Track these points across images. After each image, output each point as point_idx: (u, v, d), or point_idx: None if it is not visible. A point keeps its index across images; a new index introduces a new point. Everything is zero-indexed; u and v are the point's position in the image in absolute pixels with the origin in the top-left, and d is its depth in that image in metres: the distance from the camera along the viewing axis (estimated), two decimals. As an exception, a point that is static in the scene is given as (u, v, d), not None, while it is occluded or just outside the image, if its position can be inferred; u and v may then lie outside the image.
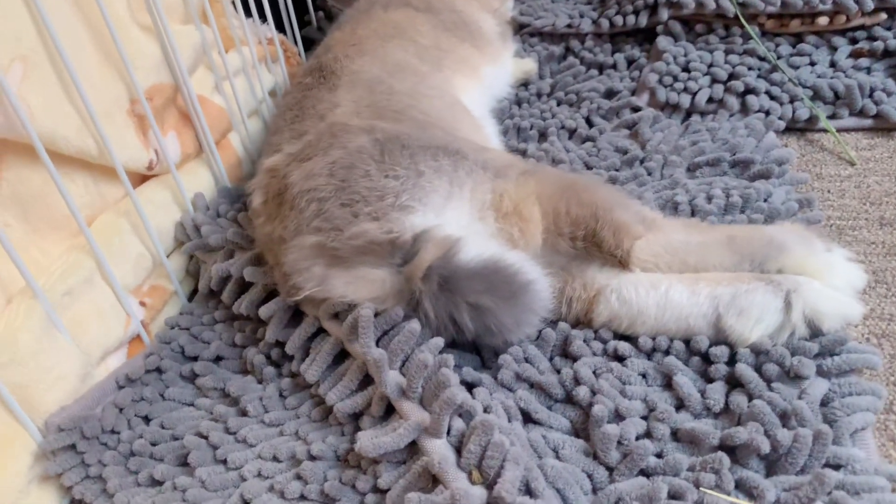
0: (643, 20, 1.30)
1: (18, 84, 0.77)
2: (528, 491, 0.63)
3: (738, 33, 1.23)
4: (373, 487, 0.70)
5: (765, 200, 0.94)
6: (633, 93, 1.23)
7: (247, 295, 0.91)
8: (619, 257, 0.79)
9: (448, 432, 0.68)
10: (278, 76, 1.33)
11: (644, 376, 0.76)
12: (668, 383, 0.75)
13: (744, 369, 0.72)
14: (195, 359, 0.92)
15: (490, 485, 0.63)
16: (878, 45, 1.15)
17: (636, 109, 1.18)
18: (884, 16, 1.17)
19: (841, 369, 0.71)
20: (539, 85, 1.29)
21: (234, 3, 1.18)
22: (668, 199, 0.97)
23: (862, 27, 1.19)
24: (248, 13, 1.24)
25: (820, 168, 1.04)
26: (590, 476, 0.68)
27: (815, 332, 0.73)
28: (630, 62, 1.30)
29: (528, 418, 0.74)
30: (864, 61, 1.16)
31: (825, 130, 1.10)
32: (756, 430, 0.66)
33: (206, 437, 0.79)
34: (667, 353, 0.77)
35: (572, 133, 1.17)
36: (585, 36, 1.36)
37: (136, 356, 0.91)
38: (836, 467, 0.65)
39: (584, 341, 0.79)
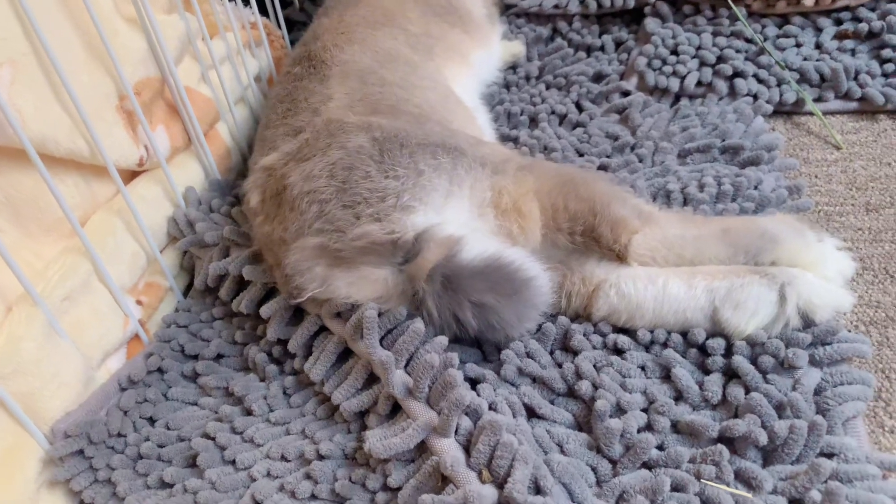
0: (631, 1, 1.30)
1: (8, 89, 0.75)
2: (537, 489, 0.65)
3: (725, 14, 1.24)
4: (383, 486, 0.72)
5: (755, 188, 0.95)
6: (622, 76, 1.23)
7: (246, 293, 0.91)
8: (617, 252, 0.80)
9: (456, 431, 0.70)
10: (262, 61, 1.31)
11: (643, 369, 0.78)
12: (666, 375, 0.77)
13: (740, 361, 0.74)
14: (195, 357, 0.92)
15: (500, 484, 0.65)
16: (863, 26, 1.16)
17: (626, 94, 1.18)
18: (868, -4, 1.18)
19: (833, 359, 0.74)
20: (527, 68, 1.29)
21: (216, -12, 1.15)
22: (660, 187, 0.99)
23: (846, 8, 1.20)
24: (230, -3, 1.21)
25: (807, 152, 1.06)
26: (594, 469, 0.70)
27: (808, 323, 0.76)
28: (618, 44, 1.30)
29: (531, 413, 0.76)
30: (848, 43, 1.17)
31: (811, 114, 1.11)
32: (754, 423, 0.69)
33: (213, 438, 0.80)
34: (665, 345, 0.79)
35: (563, 118, 1.17)
36: (573, 17, 1.35)
37: (136, 356, 0.91)
38: (830, 456, 0.68)
39: (584, 335, 0.81)
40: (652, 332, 0.79)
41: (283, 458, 0.77)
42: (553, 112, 1.18)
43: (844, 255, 0.80)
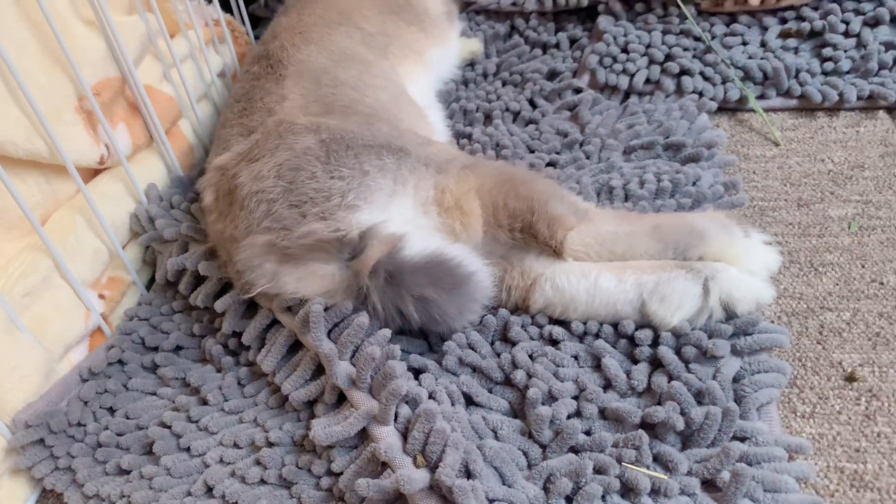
0: (585, 0, 1.33)
1: (-37, 92, 0.78)
2: (468, 472, 0.69)
3: (675, 13, 1.28)
4: (327, 471, 0.76)
5: (693, 184, 1.00)
6: (575, 73, 1.26)
7: (202, 287, 0.95)
8: (554, 247, 0.84)
9: (395, 419, 0.74)
10: (226, 57, 1.33)
11: (576, 358, 0.82)
12: (597, 365, 0.81)
13: (665, 352, 0.78)
14: (155, 349, 0.95)
15: (433, 468, 0.69)
16: (805, 25, 1.21)
17: (578, 91, 1.22)
18: (812, -4, 1.23)
19: (752, 349, 0.78)
20: (485, 65, 1.32)
21: (178, -14, 1.18)
22: (603, 183, 1.03)
23: (791, 7, 1.24)
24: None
25: (747, 148, 1.10)
26: (525, 454, 0.75)
27: (730, 315, 0.80)
28: (572, 41, 1.33)
29: (469, 401, 0.81)
30: (791, 42, 1.22)
31: (754, 111, 1.16)
32: (673, 409, 0.73)
33: (169, 427, 0.84)
34: (597, 336, 0.83)
35: (516, 115, 1.21)
36: (530, 14, 1.39)
37: (97, 349, 0.95)
38: (743, 440, 0.73)
39: (522, 327, 0.85)
40: (585, 323, 0.84)
41: (235, 446, 0.81)
42: (507, 109, 1.22)
43: (771, 249, 0.85)
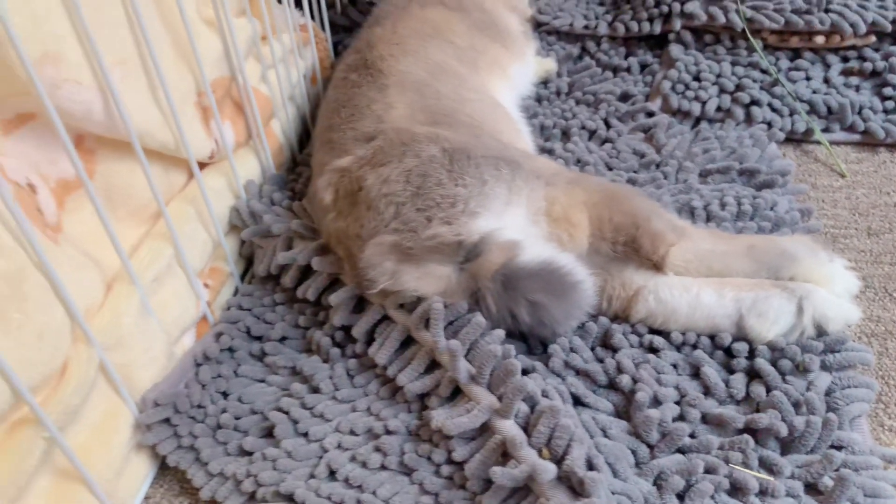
0: (657, 27, 1.40)
1: (119, 87, 0.82)
2: (590, 465, 0.74)
3: (743, 46, 1.34)
4: (447, 459, 0.81)
5: (771, 209, 1.06)
6: (647, 97, 1.33)
7: (311, 281, 0.99)
8: (655, 261, 0.90)
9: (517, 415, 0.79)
10: (308, 61, 1.38)
11: (675, 367, 0.88)
12: (695, 373, 0.87)
13: (762, 364, 0.84)
14: (260, 339, 1.00)
15: (558, 461, 0.74)
16: (867, 65, 1.28)
17: (651, 114, 1.28)
18: (873, 38, 1.30)
19: (841, 365, 0.84)
20: (558, 83, 1.38)
21: (276, -8, 1.23)
22: (684, 203, 1.09)
23: (853, 48, 1.31)
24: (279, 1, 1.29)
25: (815, 178, 1.17)
26: (633, 452, 0.80)
27: (820, 333, 0.86)
28: (643, 66, 1.40)
29: (577, 401, 0.86)
30: (853, 79, 1.29)
31: (819, 143, 1.23)
32: (775, 417, 0.79)
33: (286, 413, 0.88)
34: (695, 347, 0.89)
35: (592, 134, 1.27)
36: (601, 38, 1.45)
37: (206, 335, 0.99)
38: (839, 448, 0.78)
39: (623, 334, 0.91)
40: (684, 334, 0.89)
41: (352, 433, 0.86)
42: (583, 127, 1.28)
43: (851, 274, 0.91)
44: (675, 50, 1.36)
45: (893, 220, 1.07)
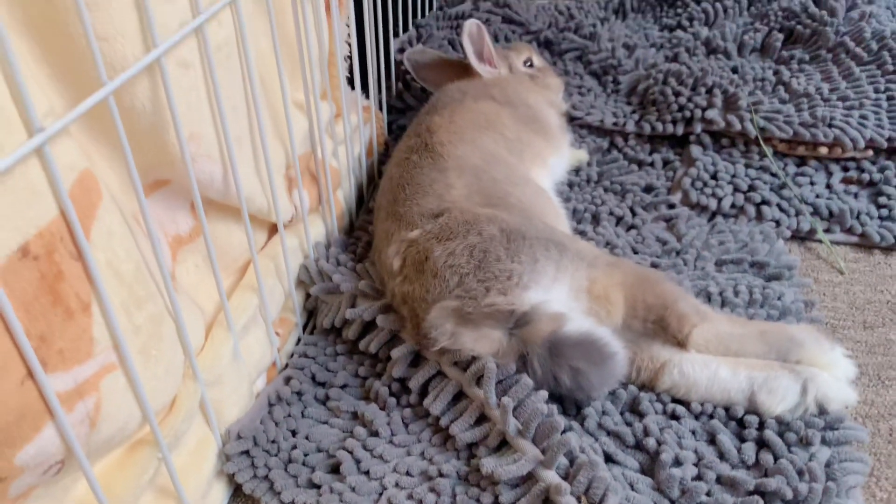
0: (679, 129, 1.57)
1: (237, 161, 0.97)
2: (623, 514, 0.86)
3: (755, 151, 1.51)
4: (494, 502, 0.92)
5: (779, 299, 1.20)
6: (669, 190, 1.49)
7: (374, 336, 1.12)
8: (680, 339, 1.03)
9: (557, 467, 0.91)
10: (365, 137, 1.54)
11: (694, 433, 1.00)
12: (712, 440, 0.99)
13: (771, 435, 0.97)
14: (324, 385, 1.12)
15: (595, 507, 0.86)
16: (865, 175, 1.44)
17: (672, 206, 1.44)
18: (871, 153, 1.47)
19: (839, 441, 0.97)
20: (588, 172, 1.54)
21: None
22: (702, 289, 1.23)
23: (853, 159, 1.48)
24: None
25: (817, 274, 1.32)
26: (658, 506, 0.92)
27: (822, 411, 0.99)
28: (665, 162, 1.56)
29: (608, 458, 0.98)
30: (853, 187, 1.45)
31: (821, 242, 1.38)
32: (782, 482, 0.91)
33: (350, 452, 0.99)
34: (711, 416, 1.01)
35: (619, 220, 1.42)
36: (628, 135, 1.62)
37: (276, 379, 1.11)
38: (837, 513, 0.90)
39: (650, 402, 1.03)
40: (702, 405, 1.02)
41: (408, 474, 0.97)
42: (611, 213, 1.43)
43: (849, 361, 1.04)
44: (695, 150, 1.53)
45: (886, 315, 1.21)
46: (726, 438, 0.98)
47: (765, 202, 1.42)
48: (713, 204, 1.43)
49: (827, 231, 1.39)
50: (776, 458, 0.95)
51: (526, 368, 1.00)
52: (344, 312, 1.15)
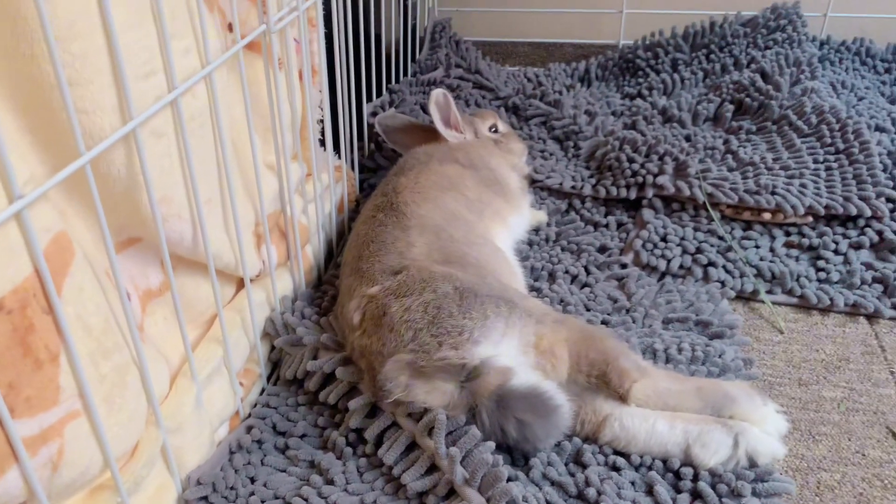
0: (633, 193, 1.66)
1: (207, 220, 1.04)
2: (560, 561, 0.91)
3: (703, 215, 1.60)
4: (440, 549, 0.97)
5: (719, 357, 1.27)
6: (622, 251, 1.57)
7: (333, 387, 1.17)
8: (621, 394, 1.10)
9: (500, 513, 0.96)
10: (337, 195, 1.62)
11: (633, 484, 1.06)
12: (649, 491, 1.04)
13: (704, 486, 1.02)
14: (284, 434, 1.17)
15: (534, 554, 0.91)
16: (805, 240, 1.54)
17: (624, 266, 1.52)
18: (810, 219, 1.56)
19: (768, 492, 1.02)
20: (547, 232, 1.63)
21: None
22: (648, 346, 1.30)
23: (794, 224, 1.57)
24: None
25: (758, 333, 1.39)
26: (596, 554, 0.97)
27: (752, 464, 1.05)
28: (619, 224, 1.65)
29: (551, 507, 1.03)
30: (794, 251, 1.54)
31: (763, 302, 1.46)
32: (712, 531, 0.97)
33: (305, 499, 1.04)
34: (650, 468, 1.07)
35: (574, 278, 1.50)
36: (585, 197, 1.71)
37: (238, 428, 1.16)
38: (762, 562, 0.96)
39: (592, 453, 1.09)
40: (641, 457, 1.08)
41: (360, 521, 1.01)
42: (567, 272, 1.50)
43: (781, 417, 1.11)
44: (647, 214, 1.62)
45: (820, 373, 1.29)
46: (663, 490, 1.03)
47: (711, 264, 1.50)
48: (662, 265, 1.51)
49: (769, 292, 1.47)
50: (708, 509, 1.00)
51: (475, 420, 1.05)
52: (306, 364, 1.20)
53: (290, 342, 1.26)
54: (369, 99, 2.01)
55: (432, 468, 1.05)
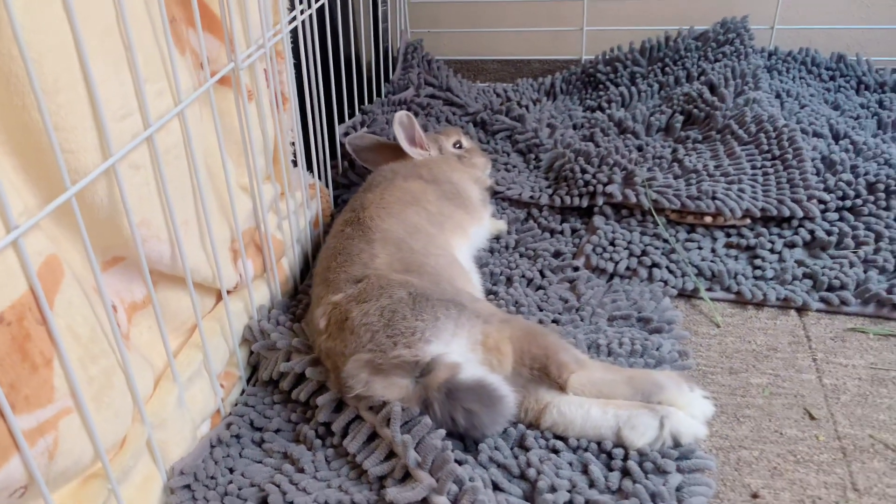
0: (585, 202, 1.80)
1: (182, 240, 1.17)
2: (498, 531, 1.03)
3: (650, 220, 1.73)
4: (396, 525, 1.09)
5: (657, 349, 1.39)
6: (574, 255, 1.70)
7: (303, 386, 1.30)
8: (560, 384, 1.22)
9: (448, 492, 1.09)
10: (312, 211, 1.75)
11: (571, 464, 1.18)
12: (585, 470, 1.17)
13: (632, 465, 1.15)
14: (260, 429, 1.29)
15: (475, 525, 1.04)
16: (743, 241, 1.67)
17: (576, 269, 1.65)
18: (748, 221, 1.70)
19: (690, 469, 1.15)
20: (507, 240, 1.76)
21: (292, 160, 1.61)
22: (593, 341, 1.42)
23: (734, 226, 1.70)
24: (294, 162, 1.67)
25: (696, 327, 1.52)
26: (534, 526, 1.09)
27: (676, 444, 1.18)
28: (573, 230, 1.78)
29: (496, 487, 1.15)
30: (733, 251, 1.67)
31: (703, 299, 1.59)
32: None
33: (278, 486, 1.16)
34: (585, 450, 1.20)
35: (530, 281, 1.62)
36: (543, 206, 1.84)
37: (219, 424, 1.28)
38: (681, 528, 1.08)
39: (534, 438, 1.21)
40: (578, 440, 1.20)
41: (326, 503, 1.14)
42: (523, 276, 1.63)
43: (707, 401, 1.23)
44: (597, 220, 1.75)
45: (750, 362, 1.42)
46: (596, 468, 1.16)
47: (655, 265, 1.63)
48: (610, 267, 1.64)
49: (709, 290, 1.60)
50: (634, 484, 1.13)
51: (428, 411, 1.18)
52: (279, 366, 1.33)
53: (266, 346, 1.38)
54: (343, 120, 2.15)
55: (391, 455, 1.18)
